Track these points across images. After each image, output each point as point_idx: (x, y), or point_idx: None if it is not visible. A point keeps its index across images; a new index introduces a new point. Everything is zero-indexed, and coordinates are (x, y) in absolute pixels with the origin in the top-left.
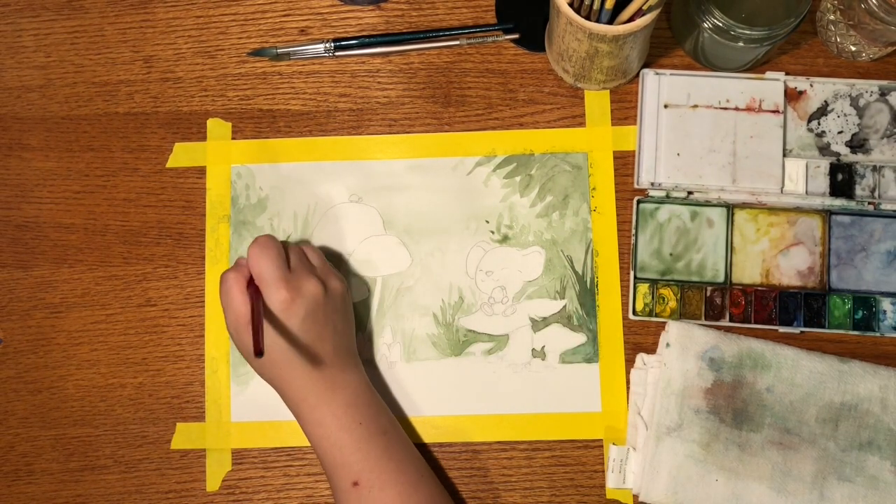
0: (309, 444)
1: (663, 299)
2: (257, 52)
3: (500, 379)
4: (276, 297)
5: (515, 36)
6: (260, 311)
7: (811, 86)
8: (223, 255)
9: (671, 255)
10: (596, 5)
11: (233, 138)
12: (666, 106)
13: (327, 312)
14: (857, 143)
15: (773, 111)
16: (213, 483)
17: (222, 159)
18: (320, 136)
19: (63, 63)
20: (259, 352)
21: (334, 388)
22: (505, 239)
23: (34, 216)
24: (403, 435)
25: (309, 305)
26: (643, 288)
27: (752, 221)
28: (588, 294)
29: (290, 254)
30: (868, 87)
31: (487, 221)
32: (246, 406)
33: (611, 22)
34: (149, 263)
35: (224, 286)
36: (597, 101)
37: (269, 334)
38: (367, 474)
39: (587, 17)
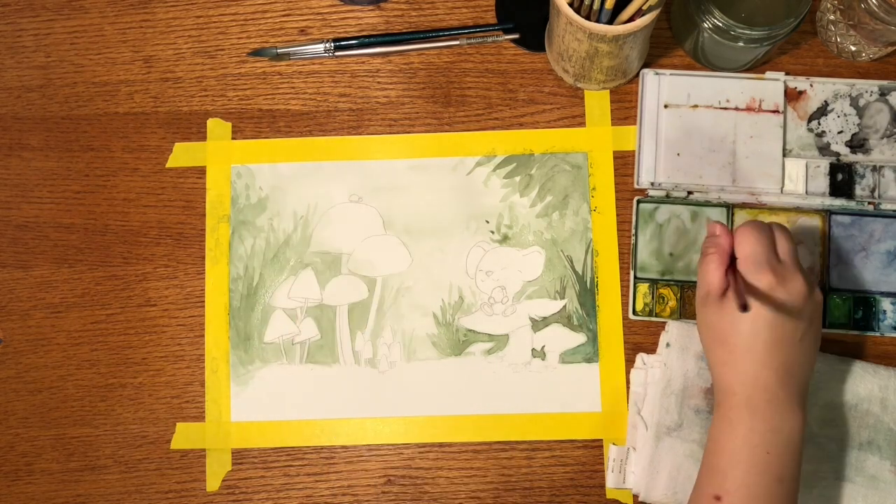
0: (309, 445)
1: (663, 299)
2: (257, 52)
3: (500, 379)
4: (759, 279)
5: (515, 36)
6: (739, 282)
7: (811, 86)
8: (223, 255)
9: (671, 255)
10: (596, 5)
11: (233, 138)
12: (666, 106)
13: (801, 317)
14: (857, 143)
15: (773, 111)
16: (213, 483)
17: (222, 159)
18: (320, 136)
19: (63, 63)
20: (743, 306)
21: (771, 405)
22: (505, 239)
23: (34, 216)
24: (795, 500)
25: (787, 300)
26: (643, 288)
27: None
28: (588, 294)
29: (781, 240)
30: (868, 87)
31: (487, 221)
32: (246, 406)
33: (611, 22)
34: (149, 263)
35: (703, 259)
36: (597, 101)
37: (735, 317)
38: (736, 499)
39: (587, 17)
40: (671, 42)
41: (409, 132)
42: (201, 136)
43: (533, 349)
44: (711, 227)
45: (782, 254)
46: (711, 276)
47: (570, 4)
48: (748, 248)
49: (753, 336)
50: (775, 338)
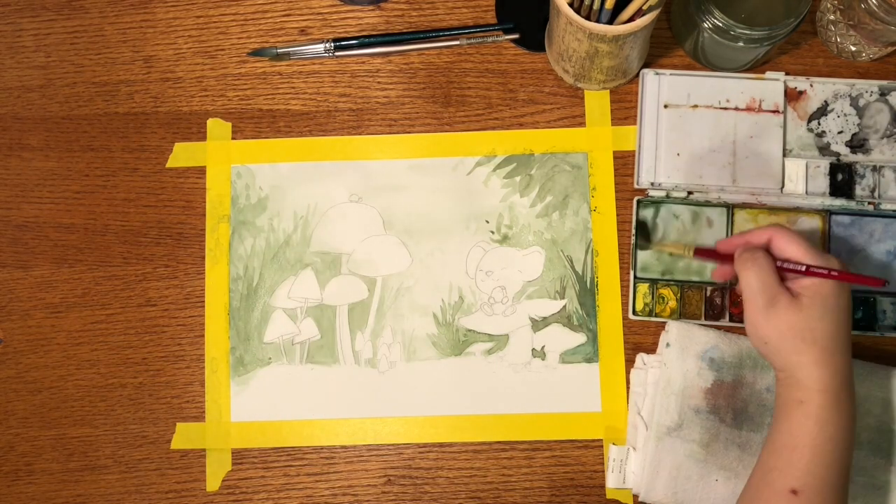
0: (309, 445)
1: (663, 299)
2: (257, 52)
3: (500, 379)
4: (830, 261)
5: (515, 36)
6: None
7: (811, 86)
8: (223, 255)
9: (671, 255)
10: (596, 5)
11: (233, 138)
12: (666, 106)
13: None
14: (857, 143)
15: (773, 111)
16: (213, 483)
17: (222, 159)
18: (320, 136)
19: (63, 63)
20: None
21: (850, 398)
22: (505, 239)
23: (34, 216)
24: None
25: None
26: (643, 288)
27: (752, 221)
28: (588, 294)
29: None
30: (868, 87)
31: (487, 221)
32: (246, 406)
33: (611, 22)
34: (149, 263)
35: (749, 266)
36: (597, 101)
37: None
38: (810, 493)
39: (587, 17)
40: (671, 42)
41: (409, 132)
42: (201, 136)
43: (533, 349)
44: (728, 243)
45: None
46: (769, 276)
47: (570, 4)
48: (795, 244)
49: (839, 325)
50: (849, 323)
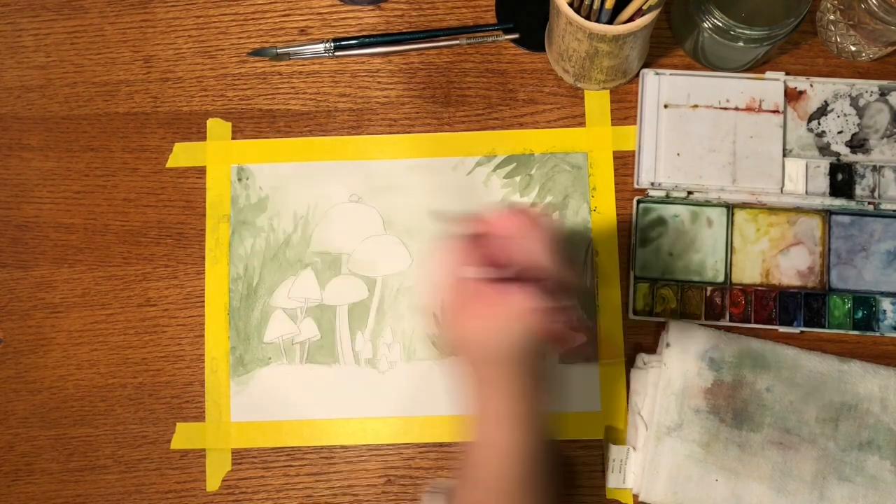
0: (309, 445)
1: (663, 299)
2: (257, 52)
3: None
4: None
5: (515, 36)
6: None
7: (811, 86)
8: (223, 255)
9: (671, 254)
10: (596, 5)
11: (233, 138)
12: (666, 106)
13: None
14: (857, 143)
15: (773, 111)
16: (213, 483)
17: (222, 159)
18: (320, 136)
19: (63, 63)
20: None
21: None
22: None
23: (34, 216)
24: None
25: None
26: (643, 288)
27: (752, 221)
28: (588, 294)
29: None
30: (868, 87)
31: None
32: (246, 406)
33: (611, 22)
34: (149, 263)
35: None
36: (597, 101)
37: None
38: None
39: (587, 17)
40: (671, 42)
41: (409, 132)
42: (201, 136)
43: None
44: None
45: None
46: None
47: (570, 4)
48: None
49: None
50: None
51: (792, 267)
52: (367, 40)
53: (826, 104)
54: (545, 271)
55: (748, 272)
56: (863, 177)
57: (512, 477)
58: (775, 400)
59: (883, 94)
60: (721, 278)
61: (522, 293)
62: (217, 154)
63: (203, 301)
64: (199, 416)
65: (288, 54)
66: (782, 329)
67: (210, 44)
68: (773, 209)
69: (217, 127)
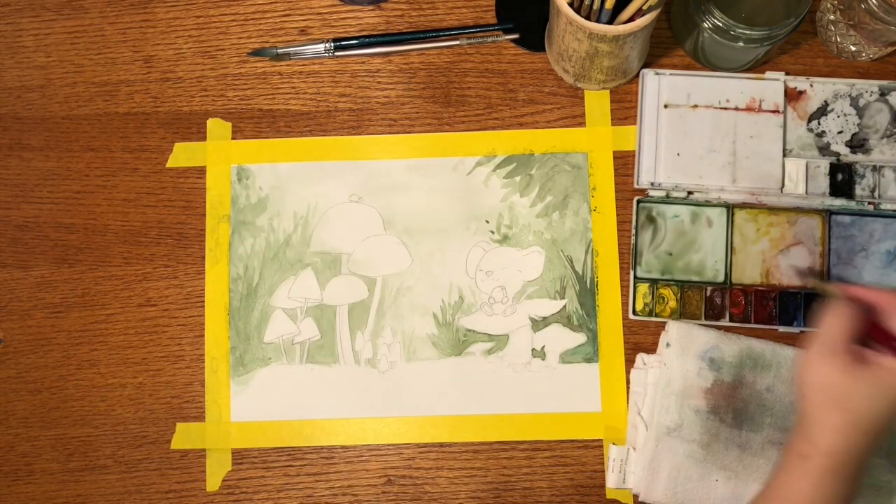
0: (309, 445)
1: (663, 299)
2: (257, 52)
3: (500, 379)
4: None
5: (515, 36)
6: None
7: (811, 86)
8: (223, 255)
9: (671, 254)
10: (596, 5)
11: (233, 138)
12: (666, 106)
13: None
14: (857, 143)
15: (773, 111)
16: (213, 483)
17: (222, 159)
18: (320, 136)
19: (63, 63)
20: None
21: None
22: (505, 239)
23: (34, 216)
24: None
25: None
26: (643, 288)
27: (752, 221)
28: (588, 294)
29: None
30: (868, 87)
31: (487, 221)
32: (246, 406)
33: (611, 22)
34: (149, 263)
35: (839, 306)
36: (597, 101)
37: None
38: None
39: (587, 17)
40: (671, 42)
41: (409, 132)
42: (201, 136)
43: (533, 349)
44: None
45: None
46: (843, 327)
47: (570, 4)
48: None
49: (881, 416)
50: (892, 414)
51: (792, 267)
52: (367, 40)
53: (826, 104)
54: None
55: (748, 272)
56: (863, 177)
57: None
58: (775, 400)
59: (883, 94)
60: (721, 278)
61: None
62: (217, 154)
63: (203, 301)
64: (199, 416)
65: (288, 54)
66: (782, 329)
67: (210, 44)
68: (773, 209)
69: (217, 127)
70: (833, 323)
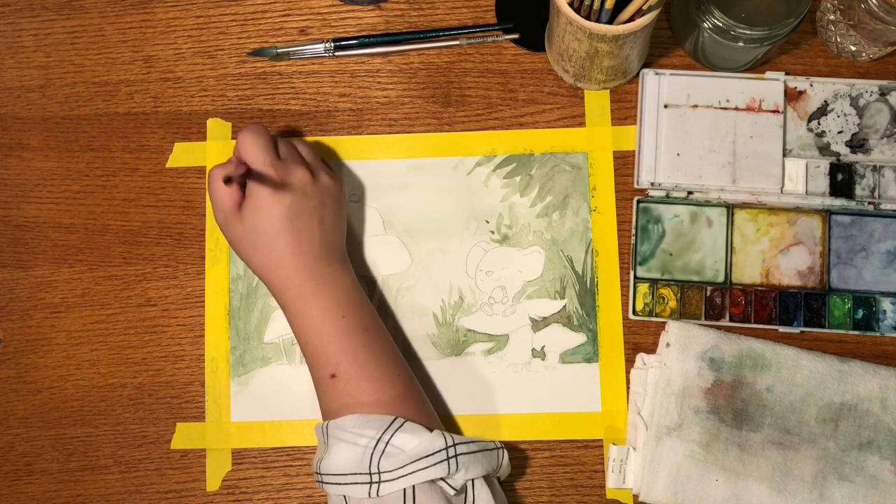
0: (309, 445)
1: (663, 299)
2: (257, 52)
3: (500, 379)
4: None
5: (515, 36)
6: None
7: (811, 86)
8: (223, 254)
9: (671, 254)
10: (596, 5)
11: (233, 138)
12: (666, 106)
13: (314, 205)
14: (857, 143)
15: (773, 111)
16: (213, 483)
17: (222, 159)
18: (320, 136)
19: (63, 63)
20: (228, 178)
21: (320, 280)
22: (505, 239)
23: (34, 216)
24: (385, 332)
25: (295, 194)
26: (643, 288)
27: (752, 221)
28: (588, 294)
29: (280, 144)
30: (868, 87)
31: (487, 221)
32: (246, 406)
33: (611, 22)
34: (149, 263)
35: (210, 179)
36: (597, 101)
37: (253, 220)
38: (346, 366)
39: (587, 17)
40: (671, 42)
41: (409, 132)
42: (201, 136)
43: (533, 349)
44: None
45: (282, 152)
46: (220, 192)
47: (570, 4)
48: (246, 154)
49: (276, 233)
50: (295, 227)
51: (792, 267)
52: (367, 40)
53: (826, 104)
54: None
55: (748, 272)
56: (863, 177)
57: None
58: (775, 400)
59: (883, 94)
60: (721, 278)
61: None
62: (217, 154)
63: (203, 301)
64: (199, 416)
65: (288, 54)
66: (782, 329)
67: (210, 44)
68: (773, 209)
69: (217, 127)
70: (213, 196)
